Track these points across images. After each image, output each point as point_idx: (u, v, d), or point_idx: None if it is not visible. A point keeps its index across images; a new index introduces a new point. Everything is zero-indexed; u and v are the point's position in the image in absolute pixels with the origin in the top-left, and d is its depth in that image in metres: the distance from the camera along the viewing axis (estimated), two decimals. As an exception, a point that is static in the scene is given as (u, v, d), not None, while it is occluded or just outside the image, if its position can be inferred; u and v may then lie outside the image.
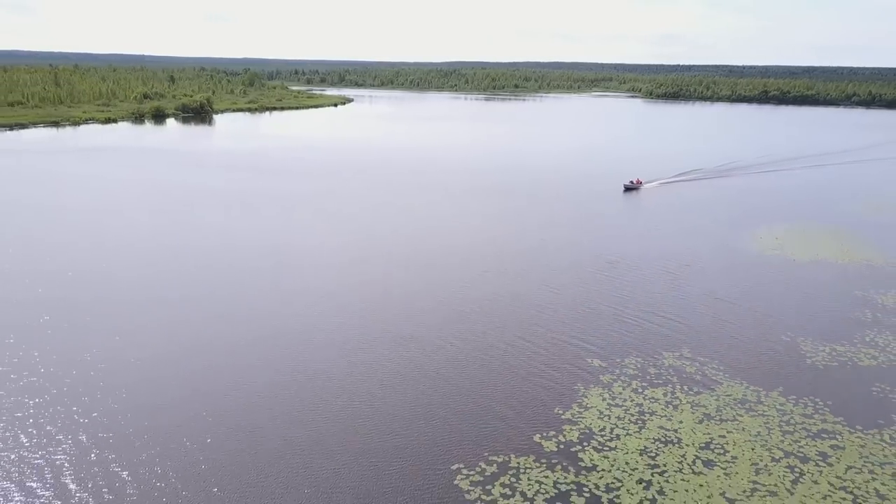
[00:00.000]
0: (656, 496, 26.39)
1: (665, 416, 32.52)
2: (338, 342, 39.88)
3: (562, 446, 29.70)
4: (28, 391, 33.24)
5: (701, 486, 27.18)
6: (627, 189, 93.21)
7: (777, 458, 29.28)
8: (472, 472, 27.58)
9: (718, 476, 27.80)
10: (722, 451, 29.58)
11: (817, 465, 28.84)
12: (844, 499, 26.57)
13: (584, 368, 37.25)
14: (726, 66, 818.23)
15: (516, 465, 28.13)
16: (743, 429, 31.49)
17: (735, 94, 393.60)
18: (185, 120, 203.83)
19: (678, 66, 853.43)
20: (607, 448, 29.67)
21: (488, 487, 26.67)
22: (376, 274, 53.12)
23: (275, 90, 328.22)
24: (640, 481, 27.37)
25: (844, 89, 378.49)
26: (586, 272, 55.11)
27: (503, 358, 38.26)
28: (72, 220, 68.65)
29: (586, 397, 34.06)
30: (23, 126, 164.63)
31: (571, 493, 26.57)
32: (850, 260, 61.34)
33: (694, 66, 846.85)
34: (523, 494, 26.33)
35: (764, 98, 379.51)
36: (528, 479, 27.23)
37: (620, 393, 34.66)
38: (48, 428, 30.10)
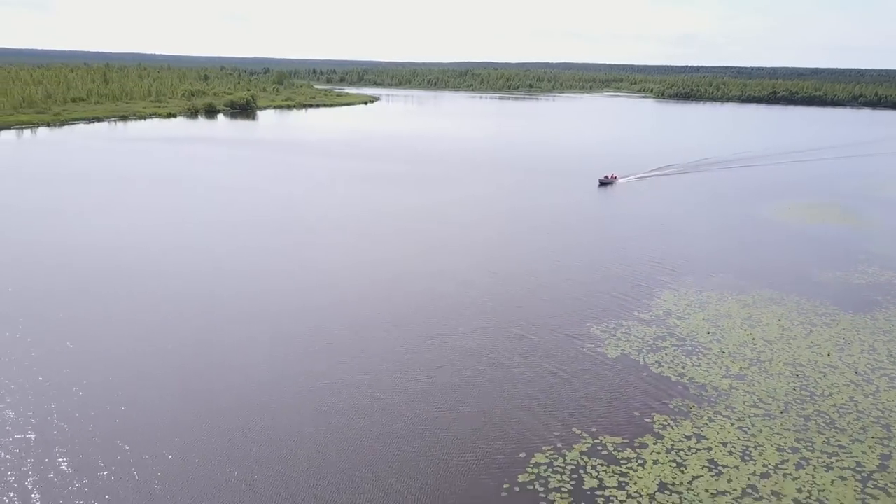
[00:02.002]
0: (717, 340, 41.50)
1: (717, 304, 47.67)
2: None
3: (654, 316, 44.88)
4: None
5: (746, 334, 42.38)
6: (602, 184, 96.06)
7: (796, 323, 44.50)
8: (602, 329, 42.74)
9: (757, 331, 42.95)
10: (758, 321, 44.74)
11: (822, 327, 44.00)
12: (841, 340, 41.73)
13: (660, 280, 52.46)
14: (735, 67, 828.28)
15: (627, 325, 43.32)
16: (772, 310, 46.65)
17: (745, 95, 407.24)
18: (234, 115, 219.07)
19: (687, 67, 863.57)
20: (683, 318, 44.85)
21: (614, 331, 41.80)
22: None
23: (302, 89, 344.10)
24: (707, 332, 42.58)
25: (851, 90, 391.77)
26: (664, 225, 70.41)
27: (610, 269, 53.53)
28: (261, 194, 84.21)
29: (663, 297, 49.22)
30: (99, 120, 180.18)
31: (666, 337, 41.74)
32: (848, 223, 76.46)
33: (703, 67, 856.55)
34: (637, 337, 41.47)
35: (773, 99, 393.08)
36: (637, 332, 42.37)
37: (685, 294, 49.83)
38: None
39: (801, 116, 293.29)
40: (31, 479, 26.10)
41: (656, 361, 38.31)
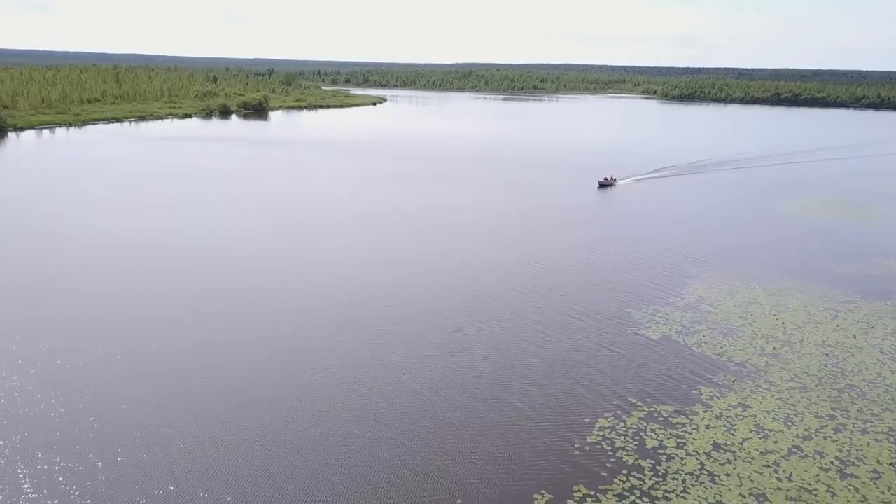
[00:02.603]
0: (749, 324, 44.61)
1: (745, 292, 50.79)
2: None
3: (688, 303, 47.99)
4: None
5: (776, 319, 45.51)
6: (602, 185, 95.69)
7: (821, 309, 47.63)
8: (642, 314, 45.85)
9: (785, 316, 46.07)
10: (786, 308, 47.87)
11: (846, 313, 47.13)
12: (865, 324, 44.83)
13: (688, 271, 55.61)
14: (737, 68, 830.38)
15: (664, 310, 46.43)
16: (797, 298, 49.78)
17: (748, 96, 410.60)
18: (247, 116, 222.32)
19: (689, 68, 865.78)
20: (714, 304, 47.97)
21: (653, 316, 44.90)
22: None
23: (310, 90, 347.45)
24: (739, 317, 45.71)
25: (854, 92, 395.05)
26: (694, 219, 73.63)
27: (638, 262, 56.69)
28: (309, 190, 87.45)
29: (693, 286, 52.32)
30: (118, 120, 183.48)
31: (701, 321, 44.85)
32: (863, 219, 79.66)
33: (705, 68, 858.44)
34: (675, 321, 44.57)
35: (776, 100, 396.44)
36: (673, 317, 45.47)
37: (714, 284, 52.95)
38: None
39: (805, 117, 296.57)
40: (33, 477, 26.46)
41: (695, 342, 41.43)
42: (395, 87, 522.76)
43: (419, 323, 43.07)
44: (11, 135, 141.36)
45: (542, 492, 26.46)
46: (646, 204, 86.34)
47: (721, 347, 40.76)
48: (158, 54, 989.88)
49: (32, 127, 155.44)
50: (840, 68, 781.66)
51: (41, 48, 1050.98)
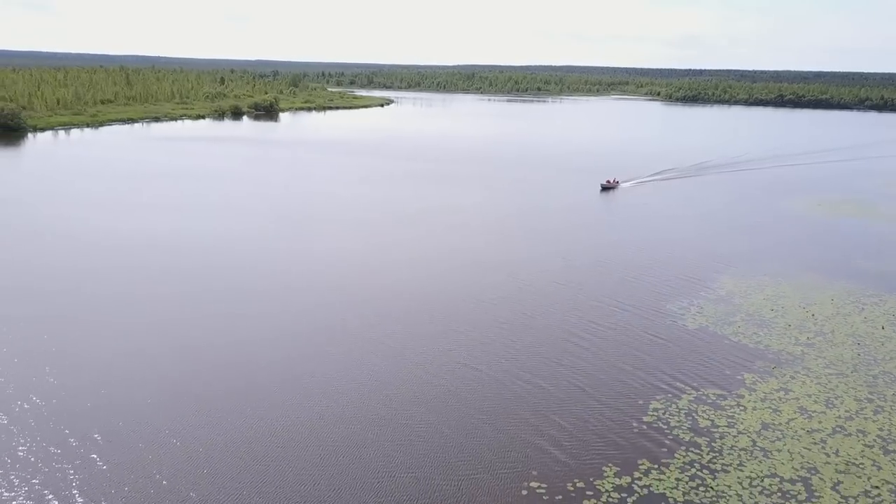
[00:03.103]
0: (781, 316, 46.72)
1: (773, 287, 52.94)
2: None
3: (719, 296, 50.13)
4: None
5: (805, 311, 47.69)
6: (604, 189, 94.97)
7: (848, 302, 49.88)
8: (677, 306, 47.99)
9: (814, 309, 48.23)
10: (814, 301, 50.02)
11: (872, 306, 49.29)
12: (892, 316, 47.00)
13: (715, 267, 57.79)
14: (738, 70, 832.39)
15: (698, 303, 48.54)
16: (824, 292, 51.96)
17: (751, 98, 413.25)
18: (258, 117, 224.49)
19: (691, 69, 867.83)
20: (745, 298, 50.12)
21: (688, 308, 47.02)
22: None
23: (317, 91, 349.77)
24: (771, 309, 47.83)
25: (857, 93, 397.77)
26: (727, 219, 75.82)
27: (665, 260, 58.85)
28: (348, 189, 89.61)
29: (721, 281, 54.46)
30: (133, 121, 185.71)
31: (734, 313, 46.98)
32: (879, 217, 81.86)
33: (706, 69, 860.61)
34: (710, 313, 46.68)
35: (780, 102, 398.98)
36: (708, 309, 47.60)
37: (742, 279, 55.09)
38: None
39: (809, 119, 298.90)
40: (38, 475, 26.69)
41: (732, 332, 43.54)
42: (400, 88, 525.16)
43: (469, 316, 45.14)
44: (31, 135, 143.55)
45: (610, 465, 28.56)
46: (657, 206, 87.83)
47: (757, 337, 42.86)
48: (160, 55, 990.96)
49: (52, 128, 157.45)
50: (841, 69, 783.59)
51: (42, 49, 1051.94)
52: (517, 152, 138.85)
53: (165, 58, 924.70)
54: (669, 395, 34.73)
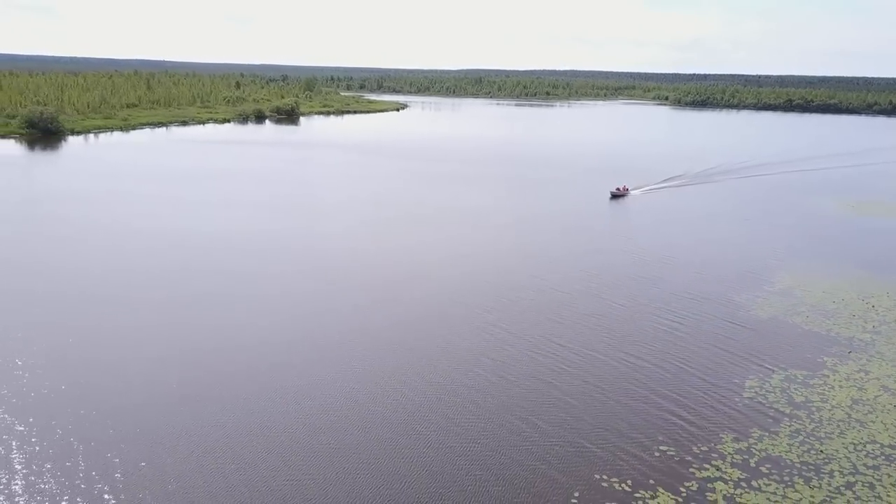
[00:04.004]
0: (844, 307, 50.16)
1: (829, 280, 56.44)
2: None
3: (780, 290, 53.60)
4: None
5: (865, 303, 51.14)
6: (614, 196, 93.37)
7: (889, 294, 53.27)
8: (746, 298, 51.43)
9: (873, 301, 51.72)
10: (871, 294, 53.50)
11: (926, 298, 52.79)
12: (944, 308, 50.48)
13: (769, 263, 61.29)
14: (742, 75, 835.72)
15: (763, 296, 51.97)
16: (878, 285, 55.46)
17: (760, 102, 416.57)
18: (280, 121, 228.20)
19: (695, 74, 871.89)
20: (806, 291, 53.59)
21: (755, 299, 50.44)
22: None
23: (330, 95, 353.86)
24: (832, 301, 51.32)
25: (865, 98, 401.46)
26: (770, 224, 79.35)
27: (718, 258, 62.32)
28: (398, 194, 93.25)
29: (779, 276, 57.92)
30: (163, 125, 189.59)
31: (799, 304, 50.44)
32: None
33: (710, 74, 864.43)
34: (777, 304, 50.13)
35: (788, 106, 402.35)
36: (774, 301, 51.04)
37: (798, 274, 58.56)
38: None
39: (821, 123, 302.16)
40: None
41: (802, 321, 46.99)
42: (410, 92, 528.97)
43: (560, 306, 48.65)
44: (71, 138, 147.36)
45: (726, 432, 32.03)
46: (685, 210, 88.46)
47: (826, 325, 46.31)
48: (163, 59, 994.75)
49: (87, 131, 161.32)
50: (844, 73, 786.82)
51: (46, 53, 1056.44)
52: (547, 153, 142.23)
53: (170, 62, 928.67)
54: (761, 375, 38.19)
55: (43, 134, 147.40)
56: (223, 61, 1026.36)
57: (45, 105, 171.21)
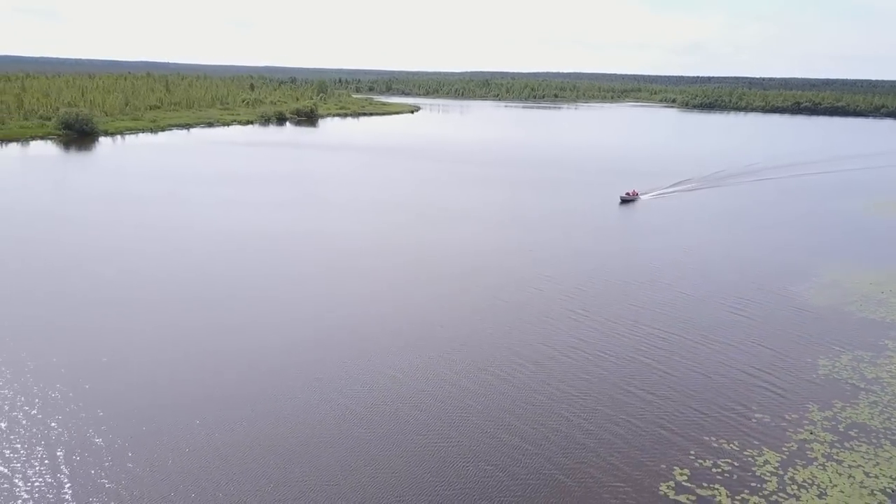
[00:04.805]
0: (893, 297, 53.74)
1: (874, 274, 60.14)
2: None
3: (828, 282, 57.19)
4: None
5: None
6: (624, 201, 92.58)
7: (946, 286, 56.88)
8: (801, 288, 54.99)
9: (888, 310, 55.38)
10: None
11: (967, 289, 56.34)
12: None
13: (811, 260, 64.94)
14: (746, 77, 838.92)
15: (813, 288, 55.56)
16: (921, 278, 59.10)
17: (768, 105, 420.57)
18: (300, 123, 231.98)
19: (699, 77, 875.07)
20: (854, 283, 57.22)
21: (808, 289, 54.01)
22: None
23: (342, 97, 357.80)
24: (881, 292, 55.01)
25: (872, 101, 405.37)
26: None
27: (757, 254, 65.94)
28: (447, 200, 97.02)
29: (823, 270, 61.53)
30: (189, 126, 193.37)
31: (849, 294, 54.06)
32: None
33: (713, 77, 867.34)
34: (828, 294, 53.70)
35: (796, 109, 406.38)
36: (825, 291, 54.61)
37: (841, 268, 62.19)
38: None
39: (830, 126, 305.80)
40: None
41: (857, 309, 50.66)
42: (418, 95, 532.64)
43: (636, 296, 52.31)
44: (104, 139, 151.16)
45: (811, 403, 35.65)
46: (705, 212, 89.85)
47: (879, 313, 49.92)
48: (167, 61, 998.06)
49: (120, 132, 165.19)
50: (845, 76, 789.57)
51: (51, 55, 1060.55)
52: (575, 156, 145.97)
53: (172, 63, 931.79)
54: (830, 355, 41.82)
55: (79, 135, 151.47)
56: (226, 63, 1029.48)
57: (76, 107, 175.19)
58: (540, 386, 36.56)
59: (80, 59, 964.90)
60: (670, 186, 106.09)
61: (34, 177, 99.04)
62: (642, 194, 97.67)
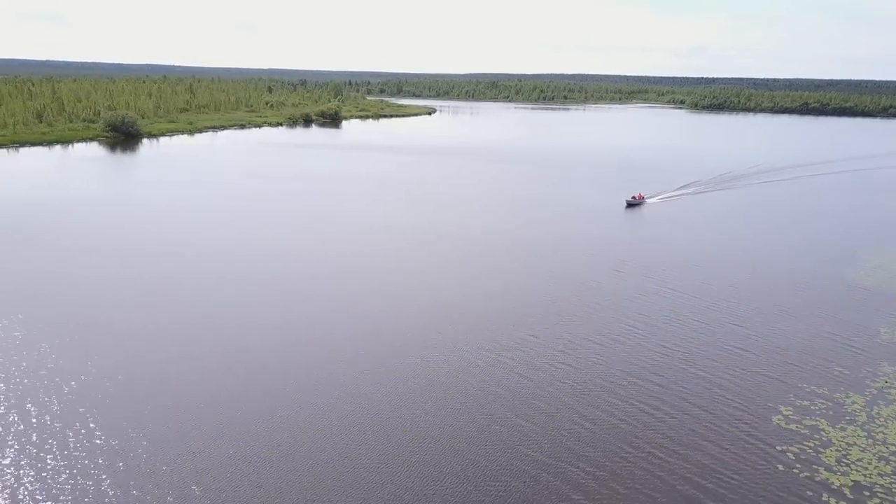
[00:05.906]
0: (934, 277, 59.87)
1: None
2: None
3: (874, 266, 63.23)
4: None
5: (951, 275, 60.76)
6: (630, 205, 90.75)
7: (980, 269, 62.89)
8: (850, 272, 61.01)
9: (957, 273, 61.31)
10: (951, 268, 63.07)
11: None
12: None
13: (851, 249, 70.99)
14: (750, 78, 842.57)
15: (861, 272, 61.60)
16: (956, 262, 65.07)
17: (776, 106, 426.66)
18: (324, 124, 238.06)
19: (703, 78, 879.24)
20: (881, 271, 63.26)
21: (859, 272, 60.00)
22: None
23: (358, 99, 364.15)
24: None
25: (879, 102, 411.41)
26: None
27: (800, 249, 71.96)
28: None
29: (866, 256, 67.52)
30: (223, 128, 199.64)
31: (893, 277, 60.01)
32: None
33: (718, 78, 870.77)
34: (879, 277, 59.71)
35: (804, 109, 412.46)
36: (874, 275, 60.61)
37: (877, 258, 68.15)
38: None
39: (839, 126, 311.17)
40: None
41: (903, 287, 56.74)
42: (429, 96, 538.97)
43: (703, 282, 58.44)
44: (147, 141, 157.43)
45: (882, 361, 41.74)
46: (736, 211, 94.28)
47: (930, 294, 56.07)
48: (173, 64, 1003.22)
49: (162, 134, 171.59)
50: (853, 78, 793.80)
51: (58, 59, 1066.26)
52: (602, 156, 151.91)
53: (179, 66, 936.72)
54: (890, 324, 47.92)
55: (125, 137, 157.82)
56: (231, 66, 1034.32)
57: (115, 110, 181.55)
58: (668, 350, 42.71)
59: (86, 62, 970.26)
60: (676, 189, 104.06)
61: (140, 175, 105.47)
62: (648, 198, 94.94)
